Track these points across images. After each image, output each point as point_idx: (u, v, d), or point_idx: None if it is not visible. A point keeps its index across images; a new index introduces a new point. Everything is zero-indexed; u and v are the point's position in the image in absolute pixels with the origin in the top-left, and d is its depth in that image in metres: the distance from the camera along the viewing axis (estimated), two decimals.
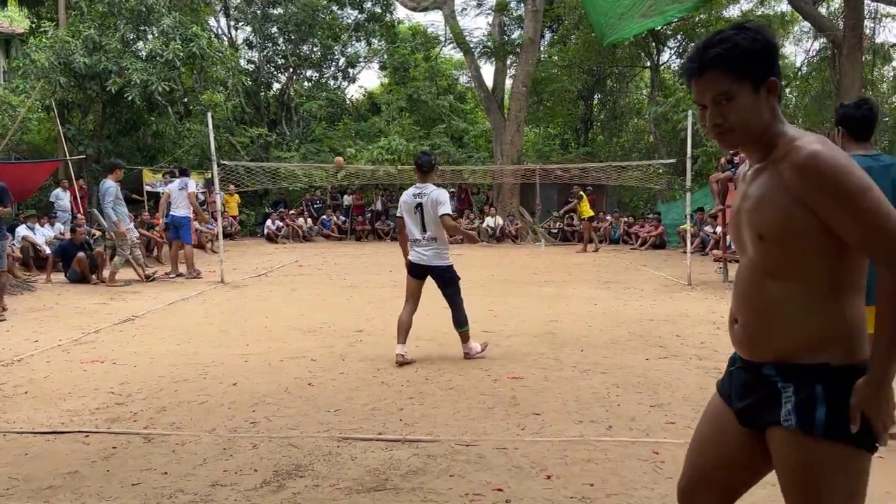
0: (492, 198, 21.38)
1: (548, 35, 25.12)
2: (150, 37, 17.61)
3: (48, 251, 11.54)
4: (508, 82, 23.44)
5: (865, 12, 15.88)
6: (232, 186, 16.58)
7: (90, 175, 17.74)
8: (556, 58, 24.76)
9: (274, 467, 3.29)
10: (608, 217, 19.06)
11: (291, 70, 24.21)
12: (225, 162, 14.08)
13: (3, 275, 7.57)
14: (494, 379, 4.87)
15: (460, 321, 5.47)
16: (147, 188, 17.32)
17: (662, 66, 24.67)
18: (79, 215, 12.87)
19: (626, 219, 19.00)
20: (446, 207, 5.33)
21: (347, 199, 21.72)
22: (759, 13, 20.21)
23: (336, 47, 24.53)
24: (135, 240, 10.59)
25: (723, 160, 10.86)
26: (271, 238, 18.69)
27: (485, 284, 9.93)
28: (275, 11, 23.05)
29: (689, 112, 11.13)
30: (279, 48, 23.88)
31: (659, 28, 20.96)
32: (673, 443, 3.59)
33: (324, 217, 20.65)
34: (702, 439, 1.83)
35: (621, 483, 3.10)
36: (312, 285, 10.10)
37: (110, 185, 9.90)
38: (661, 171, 16.85)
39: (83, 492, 3.04)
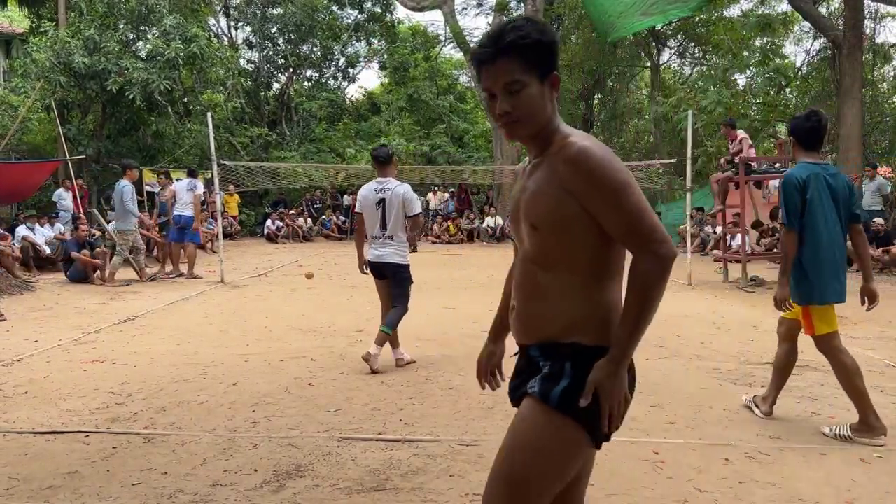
0: (492, 198, 21.38)
1: None
2: (149, 36, 17.61)
3: (48, 251, 11.55)
4: None
5: (865, 12, 15.86)
6: (232, 186, 16.56)
7: (90, 175, 17.74)
8: None
9: (274, 467, 3.29)
10: None
11: (291, 70, 24.20)
12: (225, 162, 14.07)
13: None
14: None
15: (393, 322, 5.15)
16: (147, 188, 17.31)
17: (663, 66, 24.66)
18: (81, 216, 12.87)
19: None
20: (418, 206, 5.26)
21: (347, 199, 21.71)
22: (760, 13, 20.18)
23: (336, 47, 24.53)
24: (140, 245, 10.57)
25: (723, 160, 10.85)
26: (271, 238, 18.69)
27: (485, 284, 9.93)
28: (275, 11, 23.05)
29: (690, 112, 11.12)
30: (279, 48, 23.87)
31: (659, 28, 20.97)
32: (673, 443, 3.59)
33: (324, 217, 20.66)
34: None
35: (622, 483, 3.10)
36: (312, 285, 10.10)
37: (126, 184, 10.14)
38: (661, 171, 16.82)
39: (83, 492, 3.04)
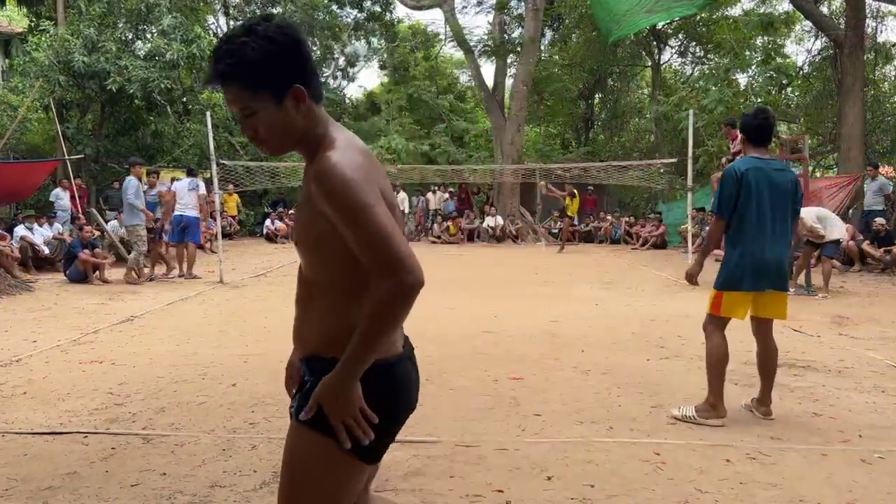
0: (492, 197, 21.36)
1: (548, 34, 25.10)
2: (148, 36, 17.60)
3: (47, 251, 11.53)
4: (509, 81, 23.42)
5: (867, 11, 15.86)
6: (231, 186, 16.56)
7: (88, 175, 17.72)
8: (557, 57, 24.77)
9: (273, 468, 3.27)
10: (608, 217, 19.04)
11: None
12: (224, 161, 14.07)
13: None
14: (495, 379, 4.85)
15: None
16: (143, 187, 17.31)
17: (664, 66, 24.66)
18: (80, 216, 12.86)
19: (627, 219, 18.97)
20: None
21: None
22: (762, 12, 20.17)
23: (336, 47, 24.52)
24: (142, 248, 10.53)
25: (724, 160, 10.83)
26: (270, 238, 18.68)
27: (485, 284, 9.92)
28: (274, 10, 23.03)
29: (691, 111, 11.11)
30: None
31: (660, 27, 20.96)
32: (674, 443, 3.57)
33: None
34: None
35: (622, 484, 3.08)
36: None
37: (132, 179, 10.28)
38: (662, 170, 16.83)
39: (82, 492, 3.02)
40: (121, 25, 17.16)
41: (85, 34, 16.27)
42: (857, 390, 4.56)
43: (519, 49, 21.04)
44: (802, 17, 18.33)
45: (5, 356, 5.57)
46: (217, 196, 11.53)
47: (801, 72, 20.34)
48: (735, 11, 20.98)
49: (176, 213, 10.70)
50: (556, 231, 19.37)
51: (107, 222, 12.74)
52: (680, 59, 25.11)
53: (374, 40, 26.24)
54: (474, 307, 7.94)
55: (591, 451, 3.48)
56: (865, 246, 11.33)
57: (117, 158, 18.37)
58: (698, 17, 20.17)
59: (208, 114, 11.20)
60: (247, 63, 1.49)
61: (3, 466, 3.32)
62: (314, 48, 24.12)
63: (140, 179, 10.54)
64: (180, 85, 18.37)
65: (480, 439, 3.65)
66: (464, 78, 28.97)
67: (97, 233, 12.13)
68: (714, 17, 20.41)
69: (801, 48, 24.43)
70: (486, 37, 22.25)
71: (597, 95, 26.33)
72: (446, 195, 21.32)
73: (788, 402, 4.27)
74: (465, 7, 26.18)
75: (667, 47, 23.98)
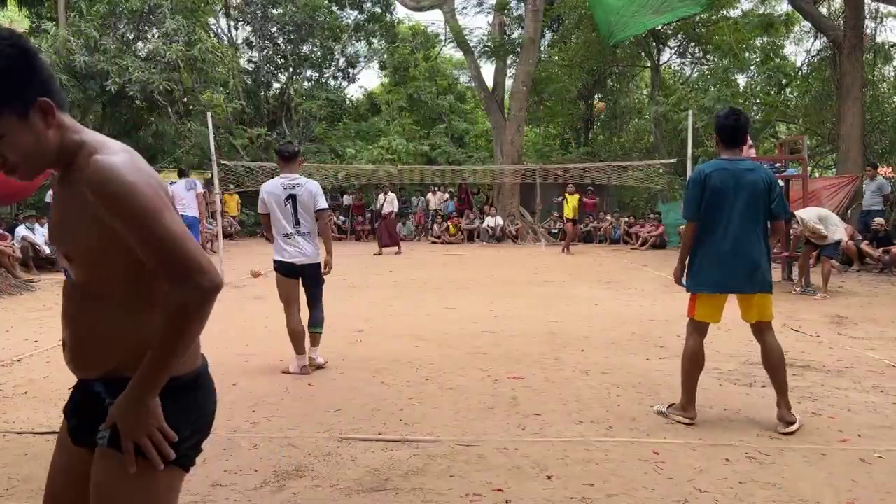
0: (492, 197, 21.36)
1: (548, 35, 25.11)
2: (149, 36, 17.61)
3: (48, 251, 11.54)
4: (509, 82, 23.43)
5: (866, 12, 15.86)
6: (232, 186, 16.58)
7: None
8: (557, 57, 24.75)
9: (274, 468, 3.28)
10: (608, 217, 19.05)
11: (291, 70, 24.21)
12: (225, 162, 14.08)
13: None
14: (495, 379, 4.86)
15: (319, 321, 5.21)
16: None
17: (663, 66, 24.65)
18: None
19: (626, 219, 18.99)
20: (324, 201, 5.20)
21: (347, 199, 21.72)
22: (761, 13, 20.18)
23: (336, 47, 24.53)
24: None
25: None
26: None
27: (485, 284, 9.93)
28: (275, 11, 23.05)
29: (690, 112, 11.12)
30: (279, 48, 23.88)
31: (660, 28, 20.96)
32: (673, 443, 3.58)
33: None
34: (54, 461, 1.72)
35: (622, 483, 3.09)
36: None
37: None
38: (661, 170, 16.83)
39: None
40: (122, 26, 17.17)
41: (86, 34, 16.29)
42: (856, 390, 4.56)
43: (519, 50, 21.05)
44: (801, 17, 18.34)
45: (6, 356, 5.58)
46: (218, 196, 11.54)
47: (799, 72, 20.35)
48: (734, 13, 20.99)
49: (179, 213, 10.71)
50: (556, 231, 19.39)
51: None
52: (679, 60, 25.13)
53: (375, 41, 26.24)
54: (474, 307, 7.94)
55: (590, 450, 3.49)
56: (864, 246, 11.33)
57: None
58: (697, 18, 20.18)
59: (209, 114, 11.21)
60: None
61: (4, 466, 3.33)
62: (314, 48, 24.13)
63: None
64: (181, 85, 18.39)
65: (480, 439, 3.66)
66: (464, 78, 28.96)
67: None
68: (713, 17, 20.41)
69: (801, 49, 24.45)
70: (485, 37, 22.23)
71: (596, 96, 26.34)
72: (446, 195, 21.33)
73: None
74: (465, 8, 26.17)
75: (666, 48, 24.00)
